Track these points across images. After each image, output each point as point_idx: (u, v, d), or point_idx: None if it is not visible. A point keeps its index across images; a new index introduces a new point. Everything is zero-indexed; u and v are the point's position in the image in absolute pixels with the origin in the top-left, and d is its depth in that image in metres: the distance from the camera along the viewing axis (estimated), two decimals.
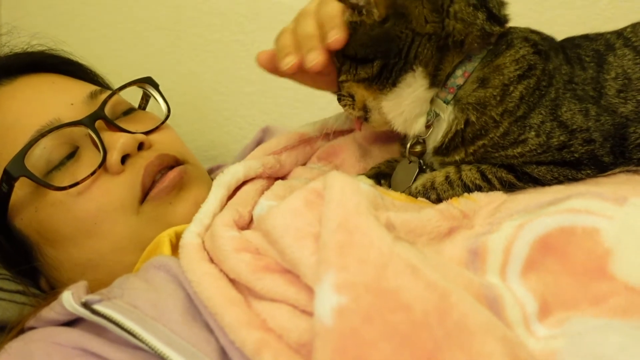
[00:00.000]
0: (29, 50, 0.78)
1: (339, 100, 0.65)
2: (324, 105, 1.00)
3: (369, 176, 0.67)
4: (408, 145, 0.64)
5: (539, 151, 0.55)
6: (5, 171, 0.62)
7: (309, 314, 0.47)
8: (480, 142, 0.57)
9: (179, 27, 1.12)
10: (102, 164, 0.64)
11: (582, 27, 0.63)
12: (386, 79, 0.58)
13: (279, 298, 0.49)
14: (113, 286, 0.56)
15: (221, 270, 0.52)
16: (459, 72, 0.57)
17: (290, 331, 0.46)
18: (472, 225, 0.53)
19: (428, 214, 0.52)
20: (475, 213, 0.54)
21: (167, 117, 0.75)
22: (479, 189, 0.57)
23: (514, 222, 0.51)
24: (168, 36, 1.13)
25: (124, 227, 0.64)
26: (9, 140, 0.65)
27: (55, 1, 1.17)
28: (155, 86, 0.77)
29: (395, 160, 0.68)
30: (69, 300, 0.52)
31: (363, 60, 0.58)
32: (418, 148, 0.63)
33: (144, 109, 0.79)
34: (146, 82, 0.77)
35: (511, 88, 0.55)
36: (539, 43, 0.58)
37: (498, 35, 0.58)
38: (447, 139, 0.58)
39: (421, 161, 0.64)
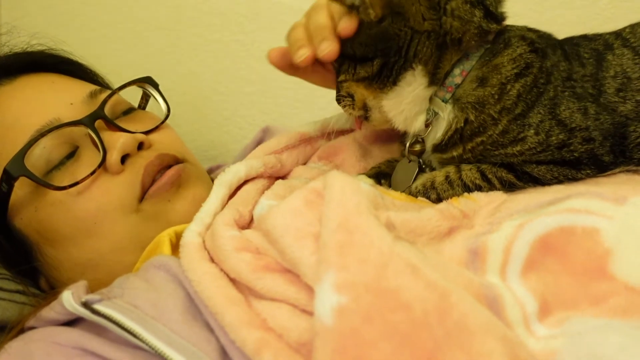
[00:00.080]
0: (29, 49, 0.78)
1: (338, 101, 0.64)
2: (324, 105, 1.00)
3: (369, 176, 0.67)
4: (407, 145, 0.64)
5: (538, 149, 0.55)
6: (5, 171, 0.62)
7: (309, 313, 0.47)
8: (478, 139, 0.57)
9: (179, 27, 1.12)
10: (102, 163, 0.64)
11: (582, 26, 0.63)
12: (386, 77, 0.58)
13: (279, 297, 0.49)
14: (113, 286, 0.56)
15: (221, 270, 0.52)
16: (457, 71, 0.57)
17: (290, 331, 0.47)
18: (472, 225, 0.53)
19: (428, 214, 0.52)
20: (475, 213, 0.54)
21: (167, 116, 0.76)
22: (479, 188, 0.57)
23: (514, 222, 0.51)
24: (168, 36, 1.13)
25: (123, 227, 0.64)
26: (9, 140, 0.65)
27: (55, 1, 1.17)
28: (155, 86, 0.77)
29: (395, 160, 0.68)
30: (69, 300, 0.52)
31: (362, 59, 0.58)
32: (417, 147, 0.63)
33: (144, 108, 0.79)
34: (146, 82, 0.77)
35: (508, 87, 0.55)
36: (536, 41, 0.58)
37: (495, 33, 0.58)
38: (446, 137, 0.58)
39: (420, 160, 0.64)
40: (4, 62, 0.73)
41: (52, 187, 0.63)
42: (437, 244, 0.51)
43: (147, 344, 0.47)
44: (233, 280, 0.52)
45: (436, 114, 0.60)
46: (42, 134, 0.63)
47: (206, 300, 0.49)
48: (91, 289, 0.57)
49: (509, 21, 0.60)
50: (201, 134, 1.13)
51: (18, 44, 0.78)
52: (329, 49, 0.58)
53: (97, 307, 0.51)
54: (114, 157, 0.64)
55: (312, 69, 0.67)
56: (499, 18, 0.58)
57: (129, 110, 0.73)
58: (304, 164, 0.74)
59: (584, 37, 0.61)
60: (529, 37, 0.58)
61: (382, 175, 0.67)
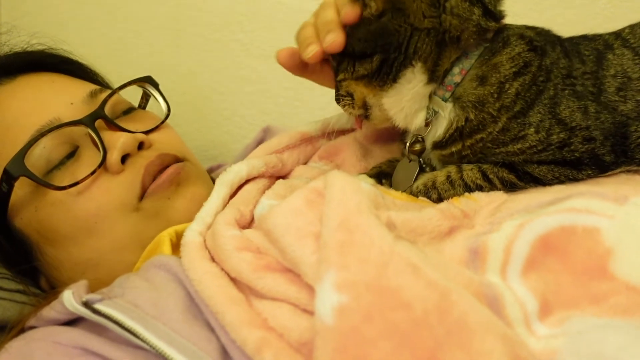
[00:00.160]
0: (29, 49, 0.77)
1: (338, 100, 0.64)
2: (324, 105, 1.00)
3: (371, 175, 0.67)
4: (407, 144, 0.64)
5: (539, 148, 0.55)
6: (5, 171, 0.62)
7: (309, 313, 0.47)
8: (477, 136, 0.57)
9: (179, 26, 1.12)
10: (102, 163, 0.64)
11: (582, 26, 0.63)
12: (386, 74, 0.58)
13: (280, 297, 0.49)
14: (113, 285, 0.57)
15: (222, 269, 0.52)
16: (456, 70, 0.57)
17: (291, 330, 0.47)
18: (473, 225, 0.53)
19: (429, 213, 0.52)
20: (476, 212, 0.54)
21: (167, 116, 0.75)
22: (480, 188, 0.57)
23: (514, 222, 0.51)
24: (168, 36, 1.13)
25: (124, 226, 0.64)
26: (9, 140, 0.65)
27: (55, 0, 1.17)
28: (155, 85, 0.77)
29: (396, 160, 0.68)
30: (70, 299, 0.52)
31: (361, 56, 0.58)
32: (417, 147, 0.63)
33: (144, 108, 0.79)
34: (146, 82, 0.77)
35: (507, 85, 0.55)
36: (534, 39, 0.58)
37: (494, 32, 0.58)
38: (447, 135, 0.58)
39: (421, 160, 0.64)
40: (3, 62, 0.73)
41: (52, 187, 0.63)
42: (438, 244, 0.51)
43: (147, 344, 0.47)
44: (234, 280, 0.52)
45: (436, 112, 0.60)
46: (42, 134, 0.63)
47: (207, 300, 0.50)
48: (92, 289, 0.57)
49: (508, 20, 0.60)
50: (201, 134, 1.13)
51: (18, 43, 0.78)
52: (334, 39, 0.58)
53: (98, 306, 0.51)
54: (114, 157, 0.64)
55: (320, 69, 0.67)
56: (497, 16, 0.58)
57: (129, 110, 0.73)
58: (305, 163, 0.74)
59: (584, 37, 0.61)
60: (528, 35, 0.58)
61: (383, 175, 0.67)
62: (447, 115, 0.58)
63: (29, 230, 0.66)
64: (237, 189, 0.65)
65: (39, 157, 0.64)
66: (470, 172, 0.58)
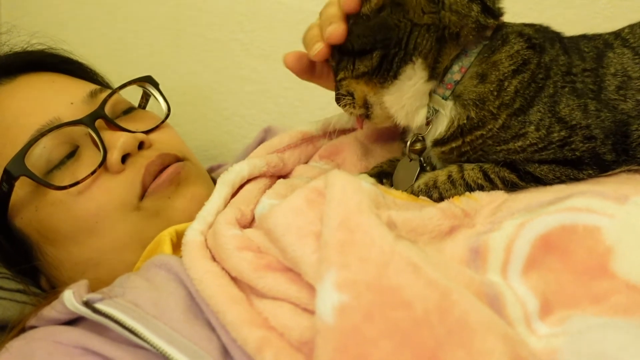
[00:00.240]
0: (29, 49, 0.78)
1: (338, 101, 0.64)
2: (324, 105, 1.00)
3: (371, 175, 0.67)
4: (408, 143, 0.64)
5: (540, 146, 0.55)
6: (6, 170, 0.62)
7: (310, 312, 0.47)
8: (477, 133, 0.57)
9: (179, 26, 1.12)
10: (103, 163, 0.64)
11: (582, 26, 0.63)
12: (387, 71, 0.58)
13: (280, 296, 0.49)
14: (114, 285, 0.57)
15: (223, 269, 0.52)
16: (455, 68, 0.57)
17: (291, 329, 0.47)
18: (474, 224, 0.53)
19: (429, 213, 0.52)
20: (477, 212, 0.54)
21: (167, 116, 0.76)
22: (482, 188, 0.57)
23: (515, 221, 0.51)
24: (168, 35, 1.13)
25: (124, 225, 0.64)
26: (9, 140, 0.65)
27: (55, 0, 1.17)
28: (155, 85, 0.77)
29: (397, 160, 0.68)
30: (70, 299, 0.52)
31: (361, 53, 0.58)
32: (418, 146, 0.63)
33: (144, 108, 0.79)
34: (146, 81, 0.77)
35: (506, 83, 0.55)
36: (533, 37, 0.58)
37: (493, 29, 0.58)
38: (449, 133, 0.58)
39: (421, 159, 0.64)
40: (4, 62, 0.73)
41: (52, 187, 0.63)
42: (439, 243, 0.51)
43: (148, 343, 0.47)
44: (234, 279, 0.52)
45: (436, 111, 0.60)
46: (42, 134, 0.63)
47: (207, 299, 0.50)
48: (92, 288, 0.57)
49: (508, 20, 0.60)
50: (201, 134, 1.13)
51: (18, 43, 0.78)
52: (334, 29, 0.58)
53: (99, 306, 0.51)
54: (114, 157, 0.64)
55: (327, 74, 0.67)
56: (496, 13, 0.58)
57: (129, 110, 0.73)
58: (306, 162, 0.74)
59: (583, 37, 0.61)
60: (526, 32, 0.58)
61: (384, 175, 0.67)
62: (448, 114, 0.58)
63: (29, 230, 0.66)
64: (238, 189, 0.65)
65: (39, 156, 0.64)
66: (472, 172, 0.58)
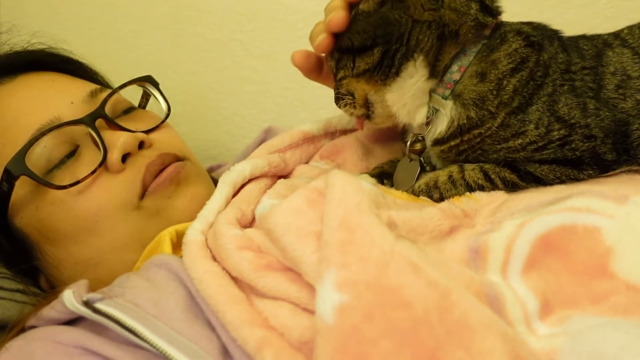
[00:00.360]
0: (29, 48, 0.78)
1: (337, 101, 0.64)
2: (324, 105, 1.00)
3: (372, 175, 0.67)
4: (408, 144, 0.64)
5: (540, 144, 0.55)
6: (6, 170, 0.62)
7: (310, 312, 0.47)
8: (476, 132, 0.57)
9: (179, 26, 1.12)
10: (103, 162, 0.64)
11: (582, 26, 0.63)
12: (388, 67, 0.58)
13: (280, 296, 0.49)
14: (114, 285, 0.57)
15: (223, 268, 0.52)
16: (454, 67, 0.57)
17: (291, 329, 0.47)
18: (474, 224, 0.53)
19: (430, 213, 0.52)
20: (477, 212, 0.54)
21: (168, 115, 0.76)
22: (482, 188, 0.57)
23: (515, 221, 0.51)
24: (167, 35, 1.13)
25: (124, 225, 0.64)
26: (9, 139, 0.65)
27: (55, 0, 1.17)
28: (156, 85, 0.77)
29: (398, 160, 0.68)
30: (70, 298, 0.52)
31: (361, 50, 0.58)
32: (418, 146, 0.63)
33: (144, 107, 0.79)
34: (146, 81, 0.77)
35: (505, 82, 0.56)
36: (531, 35, 0.58)
37: (492, 28, 0.58)
38: (449, 132, 0.58)
39: (422, 159, 0.64)
40: (4, 61, 0.73)
41: (52, 186, 0.63)
42: (439, 243, 0.51)
43: (148, 343, 0.47)
44: (235, 279, 0.52)
45: (436, 110, 0.60)
46: (42, 133, 0.63)
47: (207, 299, 0.50)
48: (92, 288, 0.57)
49: (508, 20, 0.60)
50: (201, 133, 1.13)
51: (18, 42, 0.78)
52: (335, 16, 0.58)
53: (98, 305, 0.51)
54: (114, 156, 0.64)
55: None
56: (494, 12, 0.58)
57: (129, 109, 0.73)
58: (307, 162, 0.74)
59: (582, 37, 0.61)
60: (525, 31, 0.58)
61: (384, 175, 0.67)
62: (448, 113, 0.58)
63: (29, 230, 0.66)
64: (239, 188, 0.65)
65: (40, 156, 0.64)
66: (472, 172, 0.58)
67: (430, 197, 0.59)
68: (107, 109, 0.68)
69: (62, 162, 0.65)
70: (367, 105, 0.62)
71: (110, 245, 0.64)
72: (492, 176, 0.57)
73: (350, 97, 0.62)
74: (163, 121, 0.74)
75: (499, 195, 0.56)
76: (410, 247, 0.46)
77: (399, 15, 0.56)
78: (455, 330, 0.41)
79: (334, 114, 0.76)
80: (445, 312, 0.42)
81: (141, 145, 0.68)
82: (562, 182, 0.56)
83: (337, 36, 0.60)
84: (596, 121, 0.54)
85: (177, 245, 0.61)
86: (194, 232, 0.57)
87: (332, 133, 0.76)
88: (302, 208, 0.51)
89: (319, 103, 1.05)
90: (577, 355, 0.42)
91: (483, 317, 0.42)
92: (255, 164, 0.66)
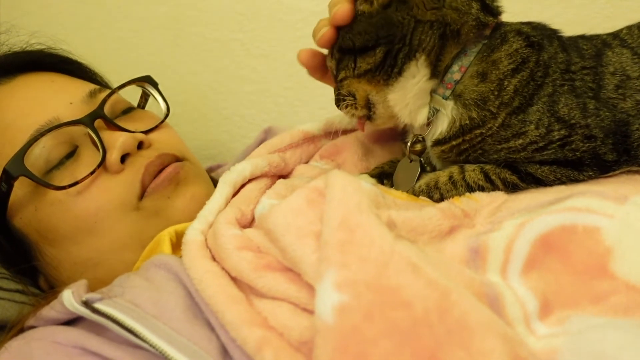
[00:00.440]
0: (28, 49, 0.77)
1: (338, 103, 0.64)
2: (324, 105, 1.00)
3: (372, 175, 0.67)
4: (408, 144, 0.64)
5: (540, 144, 0.55)
6: (5, 170, 0.62)
7: (310, 312, 0.47)
8: (477, 132, 0.57)
9: (178, 26, 1.12)
10: (102, 163, 0.64)
11: (581, 26, 0.63)
12: (391, 67, 0.58)
13: (280, 296, 0.49)
14: (113, 285, 0.56)
15: (223, 268, 0.52)
16: (455, 67, 0.57)
17: (291, 329, 0.47)
18: (474, 224, 0.53)
19: (429, 213, 0.52)
20: (477, 212, 0.54)
21: (167, 116, 0.76)
22: (482, 189, 0.57)
23: (515, 221, 0.51)
24: (167, 35, 1.13)
25: (124, 225, 0.64)
26: (8, 140, 0.65)
27: (55, 0, 1.17)
28: (155, 85, 0.77)
29: (398, 161, 0.68)
30: (70, 299, 0.52)
31: (363, 50, 0.58)
32: (418, 147, 0.63)
33: (143, 107, 0.79)
34: (145, 81, 0.77)
35: (506, 82, 0.56)
36: (531, 35, 0.58)
37: (492, 28, 0.58)
38: (451, 132, 0.58)
39: (422, 160, 0.64)
40: (3, 61, 0.73)
41: (51, 187, 0.63)
42: (438, 243, 0.51)
43: (148, 343, 0.47)
44: (234, 279, 0.52)
45: (437, 111, 0.59)
46: (41, 134, 0.63)
47: (207, 299, 0.49)
48: (91, 288, 0.57)
49: (508, 20, 0.60)
50: (200, 133, 1.13)
51: (17, 42, 0.78)
52: (340, 8, 0.57)
53: (98, 305, 0.51)
54: (113, 157, 0.64)
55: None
56: (495, 11, 0.59)
57: (128, 110, 0.73)
58: (307, 162, 0.74)
59: (581, 37, 0.61)
60: (525, 31, 0.58)
61: (384, 175, 0.67)
62: (449, 114, 0.58)
63: (28, 230, 0.66)
64: (239, 188, 0.65)
65: (39, 156, 0.64)
66: (473, 173, 0.58)
67: (431, 198, 0.59)
68: (106, 109, 0.68)
69: (61, 163, 0.65)
70: (368, 106, 0.62)
71: (109, 246, 0.64)
72: (493, 177, 0.57)
73: (352, 98, 0.62)
74: (162, 121, 0.74)
75: (499, 196, 0.56)
76: (410, 247, 0.46)
77: (402, 17, 0.56)
78: (455, 330, 0.41)
79: (334, 114, 0.76)
80: (445, 312, 0.42)
81: (140, 145, 0.68)
82: (562, 183, 0.56)
83: (338, 35, 0.60)
84: (596, 121, 0.54)
85: (176, 245, 0.61)
86: (194, 232, 0.57)
87: (332, 133, 0.76)
88: (302, 208, 0.51)
89: (319, 103, 1.05)
90: (576, 355, 0.42)
91: (483, 317, 0.42)
92: (255, 164, 0.66)
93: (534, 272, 0.48)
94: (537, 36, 0.58)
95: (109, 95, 0.69)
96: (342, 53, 0.60)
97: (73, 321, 0.55)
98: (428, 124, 0.61)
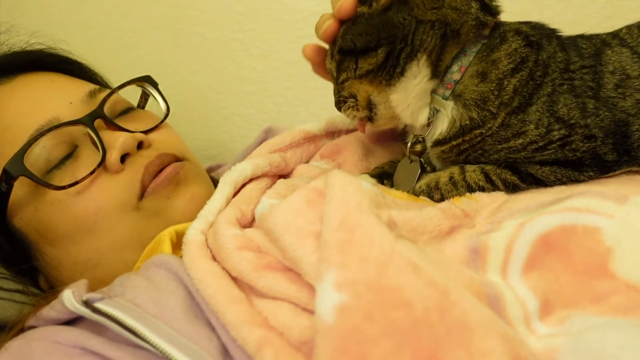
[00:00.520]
0: (28, 48, 0.77)
1: (338, 105, 0.64)
2: (324, 105, 1.00)
3: (373, 176, 0.67)
4: (409, 145, 0.64)
5: (540, 144, 0.55)
6: (5, 170, 0.62)
7: (310, 312, 0.47)
8: (477, 132, 0.57)
9: (178, 26, 1.12)
10: (102, 163, 0.64)
11: (581, 26, 0.63)
12: (393, 67, 0.58)
13: (280, 296, 0.49)
14: (114, 285, 0.56)
15: (223, 268, 0.52)
16: (455, 67, 0.58)
17: (291, 329, 0.47)
18: (474, 224, 0.53)
19: (430, 213, 0.52)
20: (477, 212, 0.54)
21: (167, 115, 0.76)
22: (483, 190, 0.57)
23: (515, 221, 0.51)
24: (167, 35, 1.13)
25: (124, 225, 0.64)
26: (8, 140, 0.65)
27: (55, 0, 1.17)
28: (155, 85, 0.77)
29: (398, 161, 0.68)
30: (70, 298, 0.52)
31: (364, 51, 0.58)
32: (418, 147, 0.63)
33: (143, 107, 0.79)
34: (145, 81, 0.77)
35: (505, 82, 0.56)
36: (530, 34, 0.58)
37: (491, 28, 0.58)
38: (451, 132, 0.58)
39: (422, 160, 0.64)
40: (3, 61, 0.73)
41: (51, 187, 0.63)
42: (439, 243, 0.51)
43: (148, 343, 0.47)
44: (234, 279, 0.52)
45: (437, 111, 0.60)
46: (41, 134, 0.63)
47: (207, 299, 0.49)
48: (91, 288, 0.57)
49: (508, 20, 0.60)
50: (200, 133, 1.13)
51: (17, 42, 0.78)
52: (346, 3, 0.58)
53: (98, 305, 0.51)
54: (113, 157, 0.64)
55: None
56: (494, 11, 0.59)
57: (128, 110, 0.73)
58: (307, 162, 0.74)
59: (581, 37, 0.61)
60: (524, 30, 0.58)
61: (385, 176, 0.67)
62: (449, 114, 0.58)
63: (28, 230, 0.66)
64: (240, 188, 0.65)
65: (39, 156, 0.64)
66: (473, 174, 0.58)
67: (431, 198, 0.59)
68: (106, 109, 0.68)
69: (61, 163, 0.65)
70: (369, 107, 0.62)
71: (109, 246, 0.64)
72: (493, 177, 0.57)
73: (353, 100, 0.62)
74: (162, 121, 0.74)
75: (499, 196, 0.56)
76: (410, 247, 0.46)
77: (402, 17, 0.56)
78: (455, 330, 0.41)
79: (334, 113, 0.76)
80: (445, 312, 0.42)
81: (140, 145, 0.68)
82: (563, 183, 0.56)
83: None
84: (596, 121, 0.54)
85: (177, 245, 0.61)
86: (194, 231, 0.57)
87: (332, 132, 0.76)
88: (302, 208, 0.51)
89: (319, 103, 1.05)
90: (576, 355, 0.42)
91: (483, 317, 0.42)
92: (256, 164, 0.66)
93: (534, 272, 0.48)
94: (536, 35, 0.58)
95: (109, 95, 0.69)
96: (343, 54, 0.60)
97: (73, 321, 0.55)
98: (428, 125, 0.61)
